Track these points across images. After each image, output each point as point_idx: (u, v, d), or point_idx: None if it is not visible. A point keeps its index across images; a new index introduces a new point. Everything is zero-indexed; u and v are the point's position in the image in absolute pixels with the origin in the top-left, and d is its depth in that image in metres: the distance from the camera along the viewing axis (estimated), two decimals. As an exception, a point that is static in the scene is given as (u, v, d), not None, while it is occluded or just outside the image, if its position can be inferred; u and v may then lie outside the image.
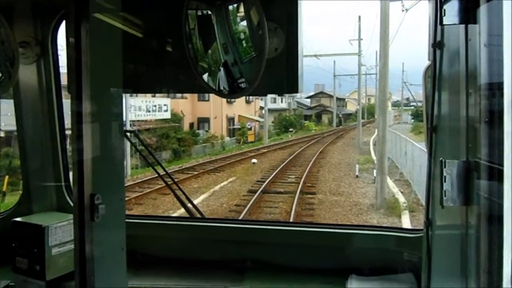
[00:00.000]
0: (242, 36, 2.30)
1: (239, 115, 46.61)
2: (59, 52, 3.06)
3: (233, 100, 45.48)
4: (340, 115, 75.71)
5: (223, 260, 3.12)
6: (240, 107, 47.65)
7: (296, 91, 2.30)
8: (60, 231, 2.71)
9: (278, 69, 2.25)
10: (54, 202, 3.06)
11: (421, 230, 2.62)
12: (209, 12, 2.37)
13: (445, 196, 1.66)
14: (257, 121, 48.29)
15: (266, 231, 3.26)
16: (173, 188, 3.42)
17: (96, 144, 1.88)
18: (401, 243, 2.90)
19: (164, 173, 3.51)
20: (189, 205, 3.38)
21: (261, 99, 49.68)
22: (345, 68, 73.64)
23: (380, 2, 17.80)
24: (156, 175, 3.66)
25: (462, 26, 1.72)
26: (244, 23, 2.30)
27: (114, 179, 2.14)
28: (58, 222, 2.71)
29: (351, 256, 3.03)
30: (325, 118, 74.33)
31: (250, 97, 50.30)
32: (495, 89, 1.54)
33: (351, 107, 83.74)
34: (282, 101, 67.96)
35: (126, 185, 17.79)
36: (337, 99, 70.72)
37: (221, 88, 2.32)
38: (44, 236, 2.64)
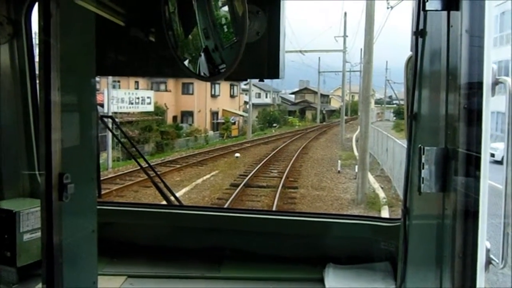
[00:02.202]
0: (223, 21, 2.25)
1: (223, 109, 46.42)
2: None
3: (217, 94, 45.33)
4: (324, 112, 76.17)
5: (200, 248, 3.10)
6: (225, 101, 47.47)
7: (277, 76, 2.27)
8: (32, 217, 2.63)
9: (259, 53, 2.22)
10: (27, 188, 2.98)
11: (398, 219, 2.64)
12: (190, -5, 2.31)
13: (422, 183, 1.66)
14: (241, 115, 48.17)
15: (244, 219, 3.24)
16: (153, 178, 3.37)
17: (65, 124, 1.82)
18: (379, 232, 2.92)
19: (145, 163, 3.46)
20: (170, 196, 3.34)
21: (246, 94, 49.58)
22: (329, 65, 74.13)
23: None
24: (138, 167, 3.60)
25: (444, 13, 1.71)
26: (226, 7, 2.25)
27: (85, 159, 2.08)
28: (30, 207, 2.64)
29: (329, 245, 3.04)
30: (309, 114, 74.68)
31: (235, 92, 50.22)
32: (475, 76, 1.54)
33: (335, 104, 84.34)
34: (266, 96, 68.01)
35: (107, 177, 17.67)
36: (321, 95, 71.14)
37: (202, 74, 2.28)
38: (15, 222, 2.57)
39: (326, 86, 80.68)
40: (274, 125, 55.26)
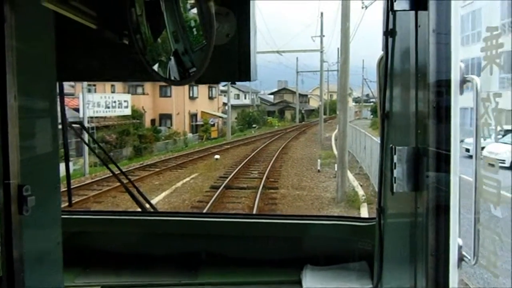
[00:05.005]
0: (192, 23, 2.21)
1: (202, 111, 46.16)
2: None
3: (195, 96, 45.05)
4: (303, 111, 76.60)
5: (176, 254, 3.05)
6: (203, 103, 47.22)
7: (249, 79, 2.24)
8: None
9: (230, 55, 2.19)
10: None
11: (374, 218, 2.64)
12: (157, -2, 2.26)
13: (395, 182, 1.66)
14: (220, 117, 48.00)
15: (220, 223, 3.21)
16: (127, 185, 3.29)
17: (24, 131, 1.74)
18: (355, 232, 2.93)
19: (118, 171, 3.37)
20: (145, 203, 3.27)
21: (224, 95, 49.45)
22: (307, 65, 74.38)
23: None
24: (117, 172, 3.50)
25: (413, 13, 1.72)
26: (195, 10, 2.21)
27: (46, 170, 2.00)
28: None
29: (306, 247, 3.03)
30: (288, 114, 74.99)
31: (213, 93, 50.01)
32: (444, 75, 1.54)
33: (313, 103, 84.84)
34: (245, 97, 67.99)
35: (84, 183, 17.32)
36: (300, 95, 71.53)
37: (172, 78, 2.23)
38: None
39: (304, 86, 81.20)
40: (254, 125, 55.27)
